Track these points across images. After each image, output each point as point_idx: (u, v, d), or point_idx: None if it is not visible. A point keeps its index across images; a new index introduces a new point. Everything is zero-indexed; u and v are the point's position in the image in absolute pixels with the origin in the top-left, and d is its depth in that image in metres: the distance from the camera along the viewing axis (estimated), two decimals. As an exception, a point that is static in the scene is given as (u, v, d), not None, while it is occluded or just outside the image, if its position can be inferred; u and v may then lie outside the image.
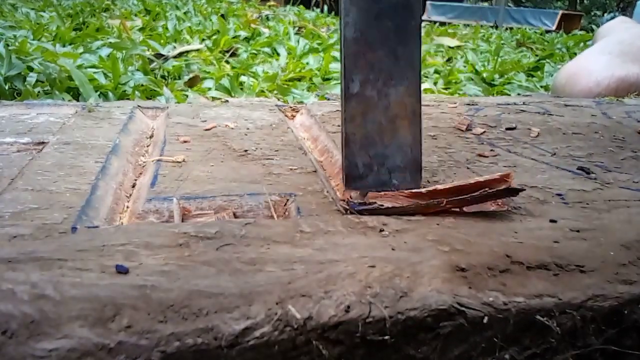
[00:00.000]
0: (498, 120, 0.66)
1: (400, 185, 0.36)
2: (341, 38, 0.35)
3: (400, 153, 0.36)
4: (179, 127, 0.55)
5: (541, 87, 1.18)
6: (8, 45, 0.90)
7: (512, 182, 0.34)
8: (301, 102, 0.82)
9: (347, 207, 0.35)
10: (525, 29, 3.55)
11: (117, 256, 0.27)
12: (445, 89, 1.11)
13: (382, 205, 0.34)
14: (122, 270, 0.25)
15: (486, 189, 0.34)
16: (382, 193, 0.35)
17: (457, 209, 0.36)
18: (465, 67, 1.38)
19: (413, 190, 0.35)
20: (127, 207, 0.38)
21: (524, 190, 0.36)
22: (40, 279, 0.24)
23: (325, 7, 3.07)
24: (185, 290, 0.24)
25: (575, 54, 1.70)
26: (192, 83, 0.95)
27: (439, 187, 0.35)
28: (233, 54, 1.27)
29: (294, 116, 0.68)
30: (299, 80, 1.05)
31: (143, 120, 0.61)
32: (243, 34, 1.60)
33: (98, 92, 0.80)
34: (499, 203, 0.38)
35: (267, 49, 1.40)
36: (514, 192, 0.34)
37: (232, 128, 0.56)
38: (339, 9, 0.36)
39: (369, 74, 0.35)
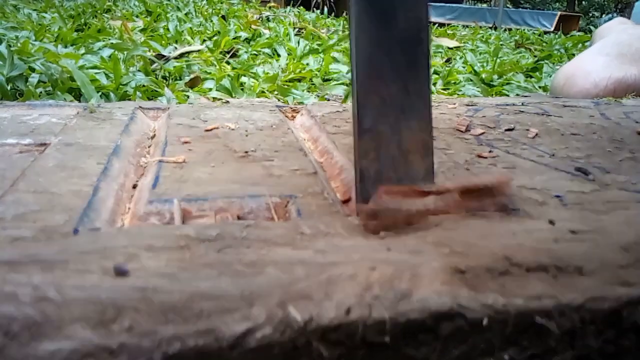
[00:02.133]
0: (497, 121, 0.66)
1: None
2: (353, 74, 0.35)
3: None
4: (180, 128, 0.56)
5: (540, 87, 1.19)
6: (10, 46, 0.90)
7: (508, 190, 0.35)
8: (301, 103, 0.82)
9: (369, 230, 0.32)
10: (524, 30, 3.56)
11: (118, 258, 0.27)
12: (445, 89, 1.11)
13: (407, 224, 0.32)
14: (121, 272, 0.25)
15: (493, 196, 0.35)
16: (396, 189, 0.35)
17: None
18: (464, 67, 1.38)
19: (424, 189, 0.35)
20: (129, 208, 0.38)
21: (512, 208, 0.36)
22: (42, 281, 0.24)
23: (326, 9, 3.08)
24: (186, 292, 0.24)
25: (574, 55, 1.70)
26: (193, 84, 0.95)
27: (450, 186, 0.35)
28: (234, 55, 1.28)
29: (294, 117, 0.68)
30: (299, 81, 1.05)
31: (144, 121, 0.61)
32: (244, 35, 1.61)
33: (100, 93, 0.80)
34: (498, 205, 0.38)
35: (267, 50, 1.40)
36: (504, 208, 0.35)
37: (232, 129, 0.57)
38: (349, 47, 0.35)
39: (381, 109, 0.35)
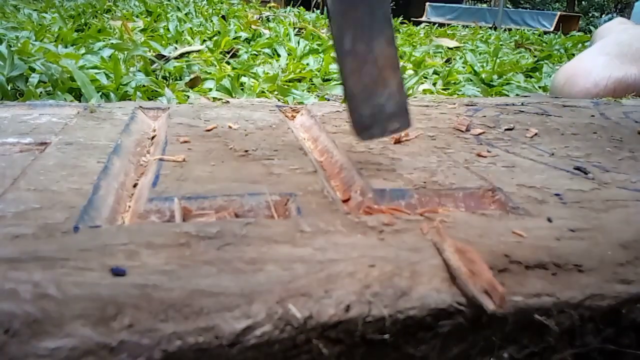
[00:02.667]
0: (497, 121, 0.66)
1: (400, 128, 0.42)
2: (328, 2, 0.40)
3: (391, 101, 0.41)
4: (180, 128, 0.56)
5: (539, 87, 1.19)
6: (10, 46, 0.90)
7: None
8: (301, 103, 0.82)
9: None
10: (524, 30, 3.56)
11: (119, 256, 0.27)
12: (445, 89, 1.11)
13: None
14: (119, 273, 0.25)
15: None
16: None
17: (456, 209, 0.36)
18: (464, 67, 1.38)
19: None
20: (129, 206, 0.38)
21: None
22: (43, 278, 0.24)
23: (326, 9, 3.08)
24: (186, 289, 0.24)
25: (574, 55, 1.70)
26: (193, 84, 0.95)
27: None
28: (234, 55, 1.28)
29: (294, 117, 0.68)
30: (299, 81, 1.06)
31: (144, 121, 0.61)
32: (244, 35, 1.61)
33: (100, 93, 0.80)
34: (498, 203, 0.38)
35: (267, 50, 1.40)
36: None
37: (233, 128, 0.57)
38: None
39: (357, 30, 0.39)
